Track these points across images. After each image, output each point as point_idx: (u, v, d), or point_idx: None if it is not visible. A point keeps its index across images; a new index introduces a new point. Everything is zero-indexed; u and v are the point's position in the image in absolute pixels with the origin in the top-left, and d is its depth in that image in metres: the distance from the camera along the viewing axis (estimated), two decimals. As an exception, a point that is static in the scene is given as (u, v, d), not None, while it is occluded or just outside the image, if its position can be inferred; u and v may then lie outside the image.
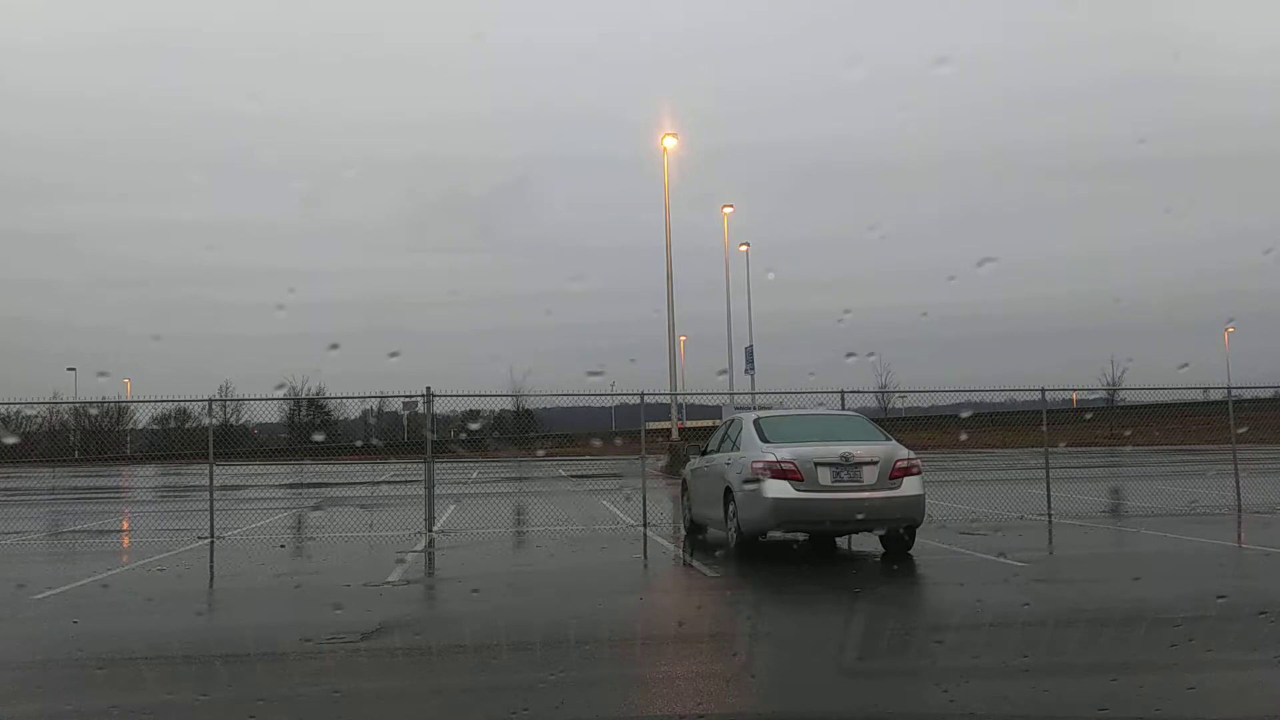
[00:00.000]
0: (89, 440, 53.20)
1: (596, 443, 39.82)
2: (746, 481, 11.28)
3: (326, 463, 40.44)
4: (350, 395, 20.35)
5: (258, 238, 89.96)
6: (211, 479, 15.55)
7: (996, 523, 14.94)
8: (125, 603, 9.94)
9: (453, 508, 18.33)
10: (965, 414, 15.17)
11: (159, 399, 50.72)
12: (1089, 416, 36.54)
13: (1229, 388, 18.18)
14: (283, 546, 14.42)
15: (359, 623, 7.75)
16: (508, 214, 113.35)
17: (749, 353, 44.86)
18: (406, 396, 25.81)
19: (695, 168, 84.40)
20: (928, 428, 21.53)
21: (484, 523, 16.24)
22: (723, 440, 13.00)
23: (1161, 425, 31.50)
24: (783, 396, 17.77)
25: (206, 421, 17.77)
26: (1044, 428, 16.70)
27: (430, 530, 14.81)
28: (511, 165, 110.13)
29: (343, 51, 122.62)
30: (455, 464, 31.74)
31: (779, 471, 11.00)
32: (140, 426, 57.60)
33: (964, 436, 13.26)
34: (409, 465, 23.78)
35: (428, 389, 15.45)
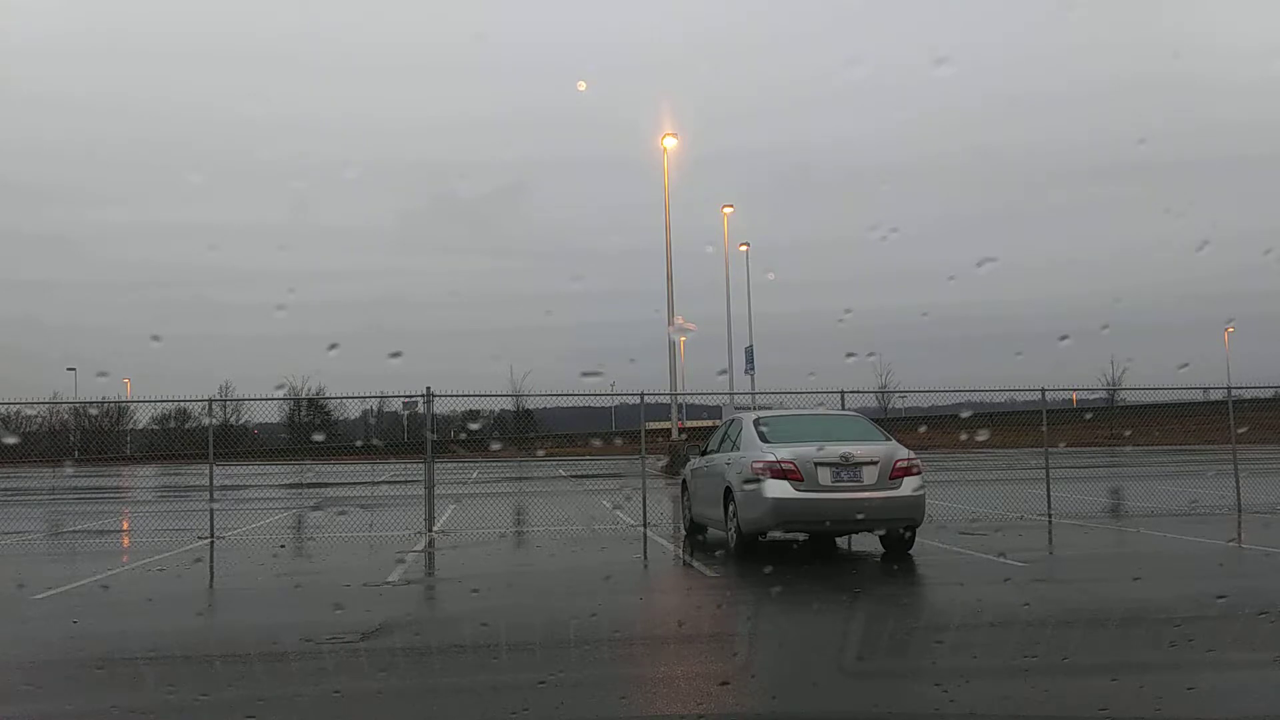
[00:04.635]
0: (89, 440, 53.17)
1: (596, 443, 39.87)
2: (746, 481, 11.28)
3: (326, 463, 40.42)
4: (350, 395, 20.39)
5: (258, 238, 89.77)
6: (211, 479, 15.55)
7: (996, 523, 14.94)
8: (125, 603, 9.95)
9: (453, 508, 18.32)
10: (965, 414, 15.15)
11: (159, 399, 50.84)
12: (1089, 416, 36.52)
13: (1229, 388, 18.16)
14: (283, 546, 14.42)
15: (359, 623, 7.75)
16: (508, 214, 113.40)
17: (749, 353, 44.88)
18: (406, 396, 25.84)
19: (695, 169, 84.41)
20: (928, 428, 21.51)
21: (484, 523, 16.23)
22: (723, 440, 12.99)
23: (1161, 425, 31.49)
24: (783, 396, 17.76)
25: (206, 421, 17.78)
26: (1044, 428, 16.70)
27: (430, 530, 14.80)
28: (512, 166, 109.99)
29: (343, 52, 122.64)
30: (455, 464, 31.76)
31: (779, 471, 11.00)
32: (140, 426, 57.68)
33: (964, 436, 13.22)
34: (409, 465, 23.80)
35: (428, 389, 15.45)
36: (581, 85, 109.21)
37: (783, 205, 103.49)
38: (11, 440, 24.05)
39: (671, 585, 10.82)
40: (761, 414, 13.25)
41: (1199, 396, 24.87)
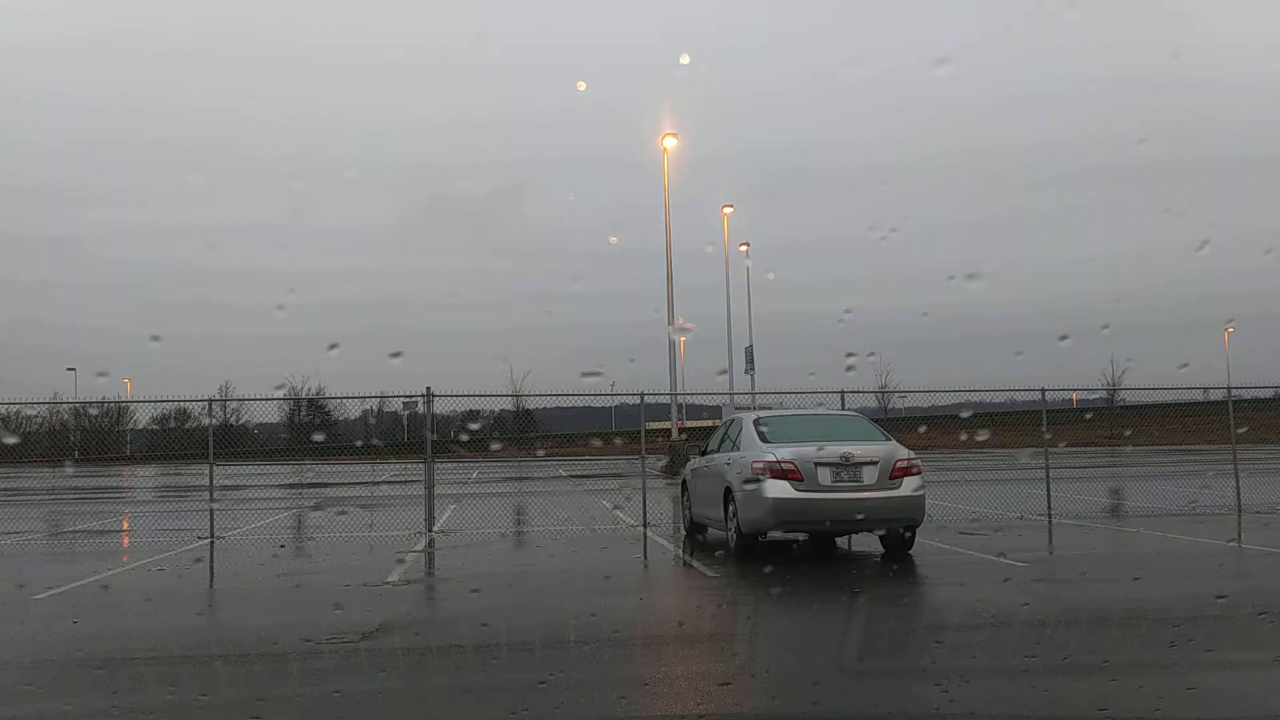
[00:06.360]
0: (89, 440, 53.16)
1: (596, 443, 39.94)
2: (746, 481, 11.27)
3: (326, 463, 40.43)
4: (350, 395, 20.49)
5: (258, 238, 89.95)
6: (211, 479, 15.56)
7: (996, 523, 14.95)
8: (125, 603, 9.94)
9: (453, 508, 18.32)
10: (965, 414, 15.15)
11: (159, 399, 50.81)
12: (1089, 416, 36.52)
13: (1229, 388, 18.16)
14: (283, 546, 14.42)
15: (359, 623, 7.75)
16: (508, 214, 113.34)
17: (749, 353, 44.87)
18: (406, 396, 25.91)
19: (695, 169, 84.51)
20: (928, 428, 21.52)
21: (484, 523, 16.23)
22: (723, 440, 12.99)
23: (1161, 425, 31.53)
24: (783, 397, 17.76)
25: (206, 421, 17.76)
26: (1044, 428, 16.70)
27: (430, 530, 14.80)
28: (512, 166, 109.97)
29: (343, 53, 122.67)
30: (455, 464, 31.76)
31: (779, 471, 11.00)
32: (140, 426, 57.69)
33: (964, 436, 13.22)
34: (409, 465, 23.80)
35: (428, 389, 15.45)
36: (581, 85, 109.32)
37: (783, 205, 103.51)
38: (11, 440, 24.04)
39: (671, 585, 10.82)
40: (761, 414, 13.24)
41: (1199, 396, 24.92)
